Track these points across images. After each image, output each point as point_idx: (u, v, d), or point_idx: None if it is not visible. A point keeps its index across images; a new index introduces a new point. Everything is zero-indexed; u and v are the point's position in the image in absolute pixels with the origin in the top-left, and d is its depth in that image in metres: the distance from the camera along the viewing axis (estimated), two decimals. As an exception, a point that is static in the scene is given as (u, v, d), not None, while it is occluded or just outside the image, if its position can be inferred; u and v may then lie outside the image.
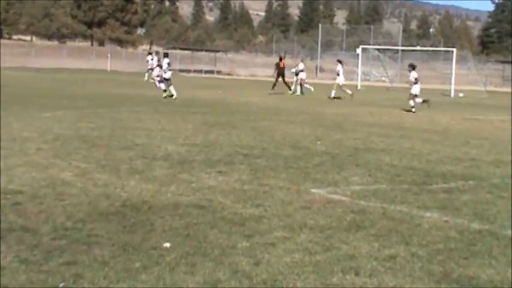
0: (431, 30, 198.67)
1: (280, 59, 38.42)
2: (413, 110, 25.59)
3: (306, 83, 37.68)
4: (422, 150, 13.68)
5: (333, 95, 32.24)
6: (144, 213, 7.20)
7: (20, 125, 14.91)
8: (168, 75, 28.37)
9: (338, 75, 34.78)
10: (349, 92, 33.78)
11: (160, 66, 29.94)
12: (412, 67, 26.89)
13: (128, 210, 7.32)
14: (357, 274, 5.44)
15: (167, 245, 6.01)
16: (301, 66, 37.70)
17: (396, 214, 7.65)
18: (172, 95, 27.68)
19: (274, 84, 36.06)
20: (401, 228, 6.98)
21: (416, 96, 26.24)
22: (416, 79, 26.38)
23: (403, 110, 23.61)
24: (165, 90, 28.12)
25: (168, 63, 28.80)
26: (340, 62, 36.10)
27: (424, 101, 26.36)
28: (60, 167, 9.78)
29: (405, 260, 5.87)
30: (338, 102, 31.38)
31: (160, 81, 29.50)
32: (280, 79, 36.61)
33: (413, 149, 13.72)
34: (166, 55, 29.98)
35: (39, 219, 6.78)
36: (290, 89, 36.15)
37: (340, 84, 34.41)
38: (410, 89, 26.13)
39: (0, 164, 9.71)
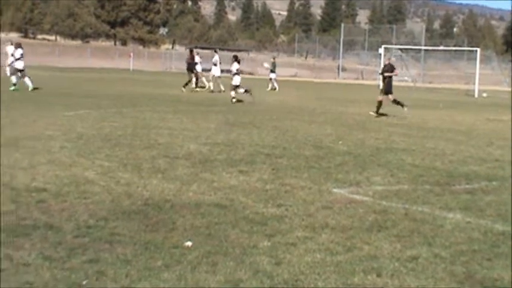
0: (454, 29, 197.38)
1: (191, 51, 37.13)
2: (233, 100, 25.84)
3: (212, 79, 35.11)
4: (445, 150, 13.60)
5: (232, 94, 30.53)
6: (166, 212, 7.23)
7: (44, 123, 15.03)
8: (20, 65, 26.89)
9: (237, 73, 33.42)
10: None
11: (12, 55, 27.96)
12: (235, 59, 27.22)
13: (149, 209, 7.35)
14: (378, 275, 5.42)
15: (189, 243, 6.03)
16: (197, 59, 35.69)
17: (418, 215, 7.61)
18: (28, 87, 26.42)
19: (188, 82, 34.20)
20: (423, 229, 6.94)
21: (237, 87, 26.49)
22: (237, 70, 26.66)
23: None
24: (14, 84, 26.53)
25: (21, 54, 27.15)
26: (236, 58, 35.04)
27: (246, 91, 26.36)
28: (83, 166, 9.84)
29: (428, 261, 5.84)
30: (360, 102, 31.25)
31: (12, 73, 27.66)
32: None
33: (436, 149, 13.64)
34: (19, 45, 28.05)
35: (62, 217, 6.83)
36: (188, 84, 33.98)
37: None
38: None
39: (8, 162, 9.80)
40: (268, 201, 8.02)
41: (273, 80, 40.51)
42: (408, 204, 8.14)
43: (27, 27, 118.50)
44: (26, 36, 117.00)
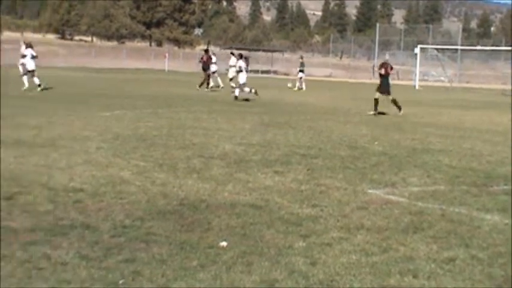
0: (492, 29, 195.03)
1: (206, 51, 37.05)
2: (236, 97, 26.13)
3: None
4: (483, 151, 13.45)
5: (236, 93, 29.93)
6: (201, 212, 7.26)
7: (80, 124, 15.19)
8: (31, 66, 26.91)
9: (241, 71, 32.74)
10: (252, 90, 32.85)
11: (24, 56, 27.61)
12: (240, 57, 27.63)
13: (185, 208, 7.39)
14: (415, 276, 5.38)
15: (224, 244, 6.04)
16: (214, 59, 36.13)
17: (455, 216, 7.54)
18: (39, 85, 26.48)
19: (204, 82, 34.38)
20: (460, 230, 6.88)
21: (244, 85, 26.56)
22: (240, 67, 26.79)
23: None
24: (39, 85, 26.67)
25: (33, 55, 27.21)
26: (241, 56, 34.70)
27: (251, 91, 26.42)
28: (119, 166, 9.92)
29: (465, 263, 5.78)
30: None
31: (24, 74, 27.43)
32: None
33: (473, 150, 13.50)
34: (29, 45, 28.01)
35: (99, 216, 6.90)
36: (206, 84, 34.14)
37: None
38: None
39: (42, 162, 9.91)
40: (303, 201, 8.01)
41: (302, 80, 40.32)
42: (445, 205, 8.06)
43: (64, 29, 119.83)
44: (63, 37, 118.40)
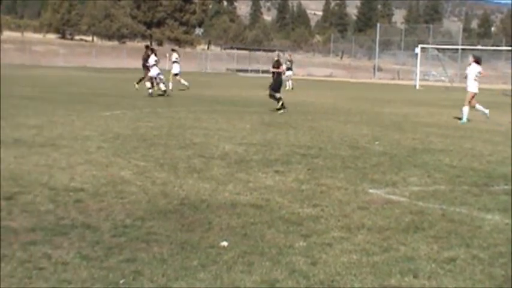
0: (492, 29, 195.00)
1: (146, 47, 32.66)
2: (150, 91, 26.17)
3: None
4: (483, 151, 13.45)
5: (170, 86, 29.67)
6: (202, 212, 7.26)
7: (81, 124, 15.20)
8: None
9: (174, 62, 32.28)
10: (186, 83, 32.59)
11: None
12: (152, 51, 27.77)
13: (185, 208, 7.39)
14: (415, 276, 5.38)
15: (225, 243, 6.04)
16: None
17: (456, 216, 7.54)
18: None
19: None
20: (461, 230, 6.87)
21: (155, 78, 26.86)
22: (156, 61, 27.00)
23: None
24: None
25: None
26: (174, 50, 34.07)
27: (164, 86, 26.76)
28: (120, 166, 9.92)
29: (465, 263, 5.77)
30: (396, 102, 31.06)
31: None
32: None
33: (473, 150, 13.50)
34: None
35: (99, 216, 6.90)
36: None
37: (173, 73, 32.94)
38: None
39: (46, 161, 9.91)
40: (304, 201, 8.01)
41: (289, 79, 39.62)
42: (445, 205, 8.06)
43: (64, 28, 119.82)
44: (63, 37, 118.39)
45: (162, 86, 27.50)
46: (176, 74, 32.97)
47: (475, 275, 5.47)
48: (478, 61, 21.55)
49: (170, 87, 30.56)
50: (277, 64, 22.20)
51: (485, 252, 6.11)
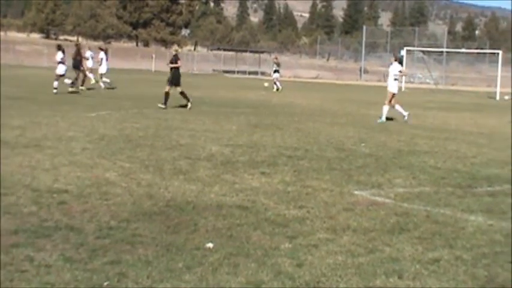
0: (476, 32, 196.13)
1: (76, 45, 31.23)
2: (54, 91, 25.64)
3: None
4: (468, 152, 13.51)
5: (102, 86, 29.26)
6: (188, 214, 7.24)
7: (65, 124, 15.13)
8: None
9: (87, 59, 31.61)
10: (108, 80, 32.34)
11: None
12: (59, 48, 27.15)
13: (171, 210, 7.37)
14: (400, 277, 5.40)
15: (210, 245, 6.03)
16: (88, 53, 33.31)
17: (440, 217, 7.57)
18: None
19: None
20: (445, 232, 6.91)
21: (62, 76, 26.39)
22: (62, 59, 26.46)
23: None
24: None
25: None
26: (102, 49, 33.60)
27: (72, 83, 26.45)
28: (104, 167, 9.88)
29: (449, 264, 5.80)
30: (382, 104, 31.12)
31: None
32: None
33: (458, 152, 13.56)
34: None
35: (84, 218, 6.86)
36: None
37: (100, 73, 32.63)
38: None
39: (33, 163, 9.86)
40: (290, 203, 8.02)
41: (277, 80, 40.03)
42: (430, 207, 8.09)
43: (49, 28, 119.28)
44: (48, 37, 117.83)
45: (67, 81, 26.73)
46: (101, 74, 32.49)
47: (458, 275, 5.50)
48: (398, 60, 21.41)
49: (102, 86, 30.84)
50: (175, 59, 22.17)
51: (469, 253, 6.14)
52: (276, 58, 43.64)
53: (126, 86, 36.97)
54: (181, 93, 22.17)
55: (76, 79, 28.11)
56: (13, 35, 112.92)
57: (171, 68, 22.25)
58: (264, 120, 18.62)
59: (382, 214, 7.61)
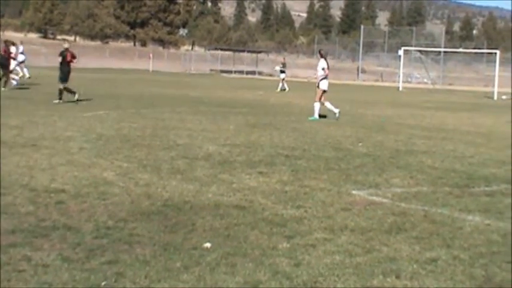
0: (474, 32, 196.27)
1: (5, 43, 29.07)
2: (3, 89, 25.10)
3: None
4: (465, 152, 13.52)
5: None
6: (185, 213, 7.24)
7: (63, 124, 15.11)
8: None
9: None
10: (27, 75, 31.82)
11: None
12: (11, 44, 27.14)
13: (169, 210, 7.36)
14: (397, 277, 5.40)
15: (208, 245, 6.03)
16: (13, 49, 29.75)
17: (438, 217, 7.58)
18: None
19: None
20: (442, 231, 6.91)
21: (11, 72, 26.60)
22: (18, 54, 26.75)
23: None
24: None
25: None
26: (14, 44, 32.67)
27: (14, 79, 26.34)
28: (102, 167, 9.88)
29: (447, 263, 5.80)
30: (379, 104, 31.16)
31: None
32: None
33: (455, 151, 13.57)
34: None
35: (81, 218, 6.86)
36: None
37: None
38: None
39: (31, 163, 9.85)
40: (287, 202, 8.02)
41: (283, 81, 40.55)
42: (427, 206, 8.10)
43: (46, 28, 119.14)
44: (45, 36, 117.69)
45: None
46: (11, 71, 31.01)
47: (456, 275, 5.50)
48: (324, 57, 20.96)
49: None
50: (71, 55, 22.10)
51: (466, 253, 6.14)
52: (284, 59, 44.05)
53: (123, 85, 36.96)
54: (65, 88, 21.81)
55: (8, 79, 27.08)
56: (10, 34, 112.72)
57: (61, 63, 21.96)
58: (261, 120, 18.61)
59: (379, 214, 7.61)
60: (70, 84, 21.88)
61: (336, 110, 20.28)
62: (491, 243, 6.52)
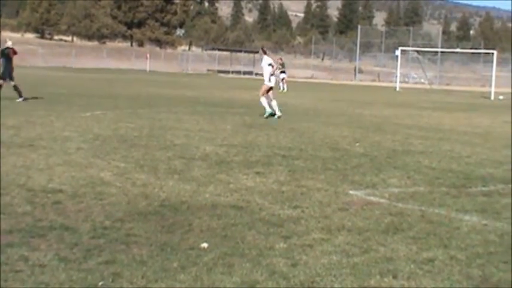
0: (471, 32, 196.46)
1: None
2: None
3: None
4: (462, 152, 13.53)
5: None
6: (182, 214, 7.24)
7: (60, 124, 15.11)
8: None
9: None
10: None
11: None
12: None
13: (166, 210, 7.36)
14: (394, 277, 5.40)
15: (205, 245, 6.02)
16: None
17: (435, 217, 7.58)
18: None
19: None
20: (439, 231, 6.91)
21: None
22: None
23: None
24: None
25: None
26: None
27: None
28: (99, 167, 9.87)
29: (444, 264, 5.81)
30: (377, 104, 31.18)
31: None
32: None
33: (452, 152, 13.58)
34: None
35: (78, 218, 6.85)
36: None
37: None
38: None
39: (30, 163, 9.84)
40: (284, 202, 8.01)
41: (283, 81, 40.68)
42: (424, 207, 8.10)
43: (43, 28, 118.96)
44: (42, 36, 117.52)
45: None
46: None
47: (453, 275, 5.50)
48: (265, 52, 20.73)
49: None
50: (13, 52, 21.87)
51: (463, 253, 6.14)
52: (281, 59, 44.07)
53: (120, 85, 36.94)
54: (14, 86, 21.70)
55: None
56: (7, 34, 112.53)
57: (6, 61, 21.68)
58: (258, 120, 18.62)
59: (376, 214, 7.62)
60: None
61: (268, 110, 19.78)
62: (488, 243, 6.52)
